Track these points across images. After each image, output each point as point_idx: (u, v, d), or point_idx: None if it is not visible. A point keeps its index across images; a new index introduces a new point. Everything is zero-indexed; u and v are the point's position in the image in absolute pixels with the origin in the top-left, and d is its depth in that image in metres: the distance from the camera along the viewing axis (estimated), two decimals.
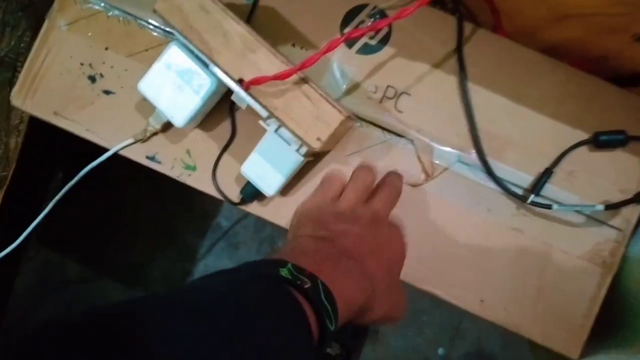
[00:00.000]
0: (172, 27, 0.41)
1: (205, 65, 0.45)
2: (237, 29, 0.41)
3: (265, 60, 0.40)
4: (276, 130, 0.44)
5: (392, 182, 0.45)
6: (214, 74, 0.45)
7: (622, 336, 0.48)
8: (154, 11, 0.41)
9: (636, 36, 0.44)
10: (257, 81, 0.39)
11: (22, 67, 0.52)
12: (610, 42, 0.46)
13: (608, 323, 0.48)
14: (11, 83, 0.59)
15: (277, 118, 0.41)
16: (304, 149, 0.44)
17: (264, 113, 0.42)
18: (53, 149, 0.80)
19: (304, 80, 0.40)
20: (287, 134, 0.44)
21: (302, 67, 0.39)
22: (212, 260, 0.98)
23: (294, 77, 0.40)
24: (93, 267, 1.00)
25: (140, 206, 1.00)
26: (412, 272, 0.48)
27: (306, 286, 0.31)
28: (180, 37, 0.42)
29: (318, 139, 0.40)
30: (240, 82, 0.41)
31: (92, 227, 1.00)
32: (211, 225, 0.98)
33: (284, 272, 0.31)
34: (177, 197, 0.99)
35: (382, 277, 0.39)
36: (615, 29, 0.44)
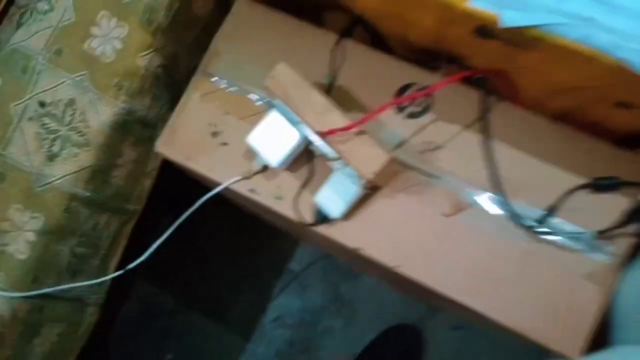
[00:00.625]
0: (275, 96, 0.61)
1: (295, 125, 0.64)
2: (318, 98, 0.60)
3: (337, 119, 0.59)
4: (342, 169, 0.62)
5: None
6: (300, 130, 0.64)
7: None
8: (265, 86, 0.62)
9: (615, 103, 0.59)
10: (330, 132, 0.58)
11: (161, 127, 0.74)
12: (597, 110, 0.61)
13: (603, 336, 0.59)
14: (150, 139, 0.80)
15: (343, 158, 0.58)
16: (362, 181, 0.61)
17: (333, 155, 0.60)
18: (172, 195, 1.00)
19: (362, 132, 0.58)
20: (349, 171, 0.61)
21: (360, 122, 0.57)
22: (284, 299, 1.14)
23: (355, 130, 0.58)
24: (186, 300, 1.18)
25: (227, 251, 1.19)
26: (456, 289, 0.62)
27: None
28: (280, 104, 0.62)
29: (372, 172, 0.57)
30: (319, 133, 0.59)
31: (188, 265, 1.20)
32: (285, 269, 1.15)
33: None
34: (259, 244, 1.17)
35: None
36: (597, 99, 0.59)
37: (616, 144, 0.64)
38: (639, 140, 0.64)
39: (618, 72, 0.52)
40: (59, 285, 0.71)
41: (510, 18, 0.53)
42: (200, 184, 0.77)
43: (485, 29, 0.57)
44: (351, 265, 1.13)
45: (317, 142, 0.61)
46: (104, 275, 0.80)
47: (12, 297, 0.67)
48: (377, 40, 0.74)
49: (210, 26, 0.77)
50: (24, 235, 0.68)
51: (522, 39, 0.55)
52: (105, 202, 0.75)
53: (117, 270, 0.84)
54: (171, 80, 0.78)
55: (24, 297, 0.68)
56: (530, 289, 0.61)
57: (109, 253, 0.82)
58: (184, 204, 0.71)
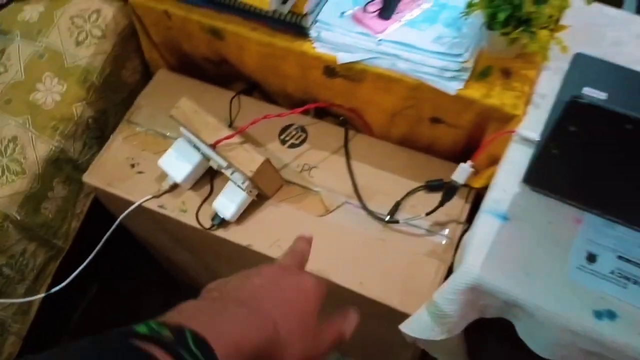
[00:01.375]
0: (179, 122, 0.79)
1: (197, 149, 0.82)
2: (211, 120, 0.78)
3: (226, 133, 0.77)
4: (232, 174, 0.78)
5: (300, 245, 0.52)
6: (200, 152, 0.81)
7: None
8: (170, 115, 0.80)
9: (430, 119, 0.80)
10: (218, 142, 0.75)
11: (87, 166, 0.89)
12: (422, 129, 0.82)
13: None
14: (80, 183, 0.93)
15: (230, 163, 0.75)
16: (247, 184, 0.77)
17: (223, 163, 0.77)
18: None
19: (245, 142, 0.76)
20: (238, 177, 0.78)
21: (239, 131, 0.75)
22: None
23: (239, 140, 0.76)
24: None
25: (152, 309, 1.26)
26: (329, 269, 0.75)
27: (166, 339, 0.30)
28: (184, 130, 0.80)
29: (251, 170, 0.74)
30: (211, 145, 0.76)
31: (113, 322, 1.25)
32: None
33: (141, 329, 0.31)
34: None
35: (288, 321, 0.39)
36: (417, 118, 0.81)
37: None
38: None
39: (420, 88, 0.74)
40: None
41: (343, 57, 0.76)
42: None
43: (330, 69, 0.79)
44: None
45: (211, 153, 0.78)
46: (29, 304, 0.89)
47: None
48: (267, 98, 0.96)
49: (135, 92, 0.97)
50: None
51: (354, 74, 0.77)
52: (34, 229, 0.86)
53: (39, 307, 0.92)
54: (100, 133, 0.95)
55: None
56: (385, 266, 0.76)
57: (33, 286, 0.90)
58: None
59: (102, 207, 0.96)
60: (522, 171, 0.66)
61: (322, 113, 0.91)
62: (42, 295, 0.89)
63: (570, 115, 0.47)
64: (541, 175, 0.62)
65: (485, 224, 0.64)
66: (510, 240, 0.63)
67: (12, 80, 0.88)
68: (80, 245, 0.97)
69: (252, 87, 0.97)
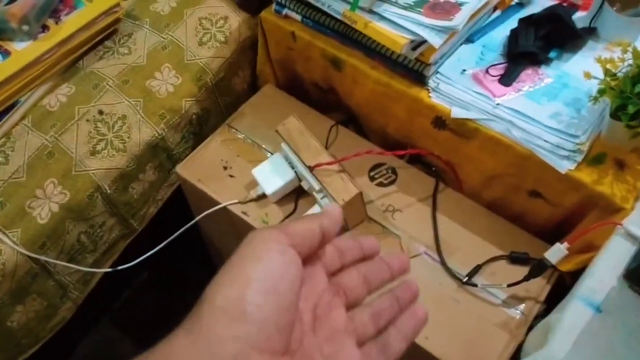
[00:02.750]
0: (283, 138, 0.81)
1: (292, 167, 0.83)
2: (314, 143, 0.80)
3: (325, 159, 0.78)
4: (321, 198, 0.79)
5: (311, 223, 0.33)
6: (295, 170, 0.82)
7: None
8: (276, 131, 0.82)
9: (529, 192, 0.79)
10: (317, 165, 0.77)
11: (179, 157, 0.93)
12: (517, 198, 0.81)
13: None
14: (169, 172, 0.96)
15: (324, 188, 0.77)
16: None
17: (317, 186, 0.78)
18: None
19: (342, 171, 0.77)
20: (327, 202, 0.78)
21: (340, 160, 0.76)
22: None
23: (337, 167, 0.77)
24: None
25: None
26: None
27: None
28: (285, 146, 0.82)
29: (343, 199, 0.75)
30: (309, 167, 0.78)
31: (154, 318, 1.27)
32: None
33: None
34: None
35: None
36: (515, 186, 0.80)
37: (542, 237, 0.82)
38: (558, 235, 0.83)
39: (530, 159, 0.74)
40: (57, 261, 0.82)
41: (458, 112, 0.77)
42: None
43: (440, 120, 0.80)
44: None
45: (306, 174, 0.79)
46: (92, 275, 0.91)
47: (20, 252, 0.77)
48: (361, 132, 0.97)
49: (240, 99, 1.00)
50: (50, 204, 0.81)
51: (465, 130, 0.78)
52: (118, 206, 0.89)
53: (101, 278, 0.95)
54: (200, 130, 0.98)
55: (29, 256, 0.78)
56: (454, 327, 0.75)
57: (101, 259, 0.92)
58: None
59: (179, 200, 0.99)
60: (621, 265, 0.64)
61: (416, 160, 0.92)
62: (107, 269, 0.91)
63: None
64: None
65: (577, 311, 0.62)
66: (599, 333, 0.60)
67: (134, 64, 0.93)
68: (149, 230, 1.00)
69: (350, 120, 0.98)
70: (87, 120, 0.86)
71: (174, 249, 0.95)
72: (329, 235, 0.33)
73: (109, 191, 0.86)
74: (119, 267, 0.91)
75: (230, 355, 0.27)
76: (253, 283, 0.28)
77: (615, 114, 0.69)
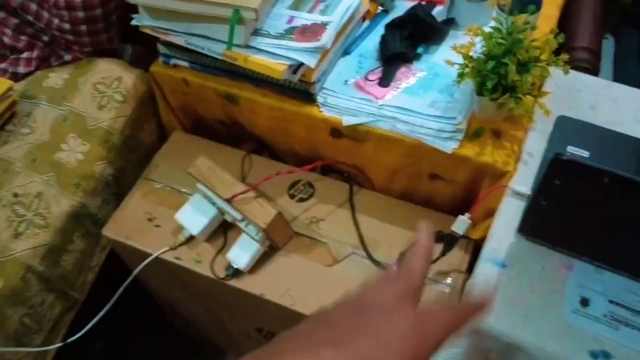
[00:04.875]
0: (196, 178, 0.85)
1: (212, 203, 0.88)
2: (226, 176, 0.84)
3: (240, 189, 0.83)
4: (246, 227, 0.84)
5: (414, 260, 0.36)
6: (216, 206, 0.87)
7: None
8: (188, 173, 0.86)
9: (429, 175, 0.87)
10: (234, 196, 0.81)
11: (104, 220, 0.95)
12: (422, 184, 0.89)
13: None
14: (97, 237, 0.98)
15: (245, 216, 0.81)
16: (261, 237, 0.83)
17: (239, 217, 0.83)
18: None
19: (258, 196, 0.82)
20: (252, 229, 0.83)
21: (253, 187, 0.81)
22: None
23: (253, 194, 0.82)
24: None
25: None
26: None
27: None
28: (201, 185, 0.86)
29: (264, 222, 0.80)
30: (227, 200, 0.82)
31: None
32: None
33: None
34: (189, 356, 1.28)
35: None
36: (416, 174, 0.87)
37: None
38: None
39: (419, 147, 0.81)
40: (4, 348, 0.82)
41: (348, 120, 0.84)
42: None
43: (336, 130, 0.86)
44: None
45: (226, 207, 0.84)
46: (44, 355, 0.91)
47: None
48: (275, 156, 1.03)
49: (152, 151, 1.04)
50: None
51: (358, 134, 0.85)
52: (53, 281, 0.90)
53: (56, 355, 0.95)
54: (118, 190, 1.01)
55: None
56: None
57: (50, 336, 0.92)
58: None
59: (115, 262, 1.00)
60: (516, 222, 0.72)
61: (328, 170, 0.98)
62: (58, 345, 0.91)
63: (555, 171, 0.53)
64: (533, 226, 0.68)
65: (485, 271, 0.69)
66: (508, 286, 0.68)
67: (38, 141, 0.94)
68: (93, 299, 1.01)
69: (261, 147, 1.04)
70: (4, 206, 0.87)
71: (126, 315, 0.97)
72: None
73: (40, 269, 0.87)
74: (69, 340, 0.91)
75: None
76: None
77: (479, 91, 0.78)
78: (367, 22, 0.95)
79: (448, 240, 0.80)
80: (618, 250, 0.63)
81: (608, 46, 1.26)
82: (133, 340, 1.32)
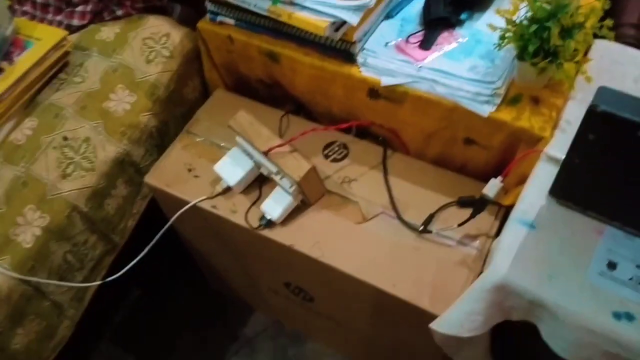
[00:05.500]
0: (235, 131, 0.88)
1: (250, 157, 0.90)
2: (265, 130, 0.87)
3: (277, 142, 0.85)
4: (281, 179, 0.86)
5: None
6: (253, 160, 0.90)
7: None
8: (229, 125, 0.89)
9: (463, 140, 0.87)
10: (270, 149, 0.84)
11: (147, 170, 0.99)
12: (456, 149, 0.90)
13: None
14: (139, 186, 1.02)
15: (280, 169, 0.84)
16: (294, 189, 0.85)
17: (274, 169, 0.86)
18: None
19: (294, 150, 0.84)
20: (286, 183, 0.86)
21: (290, 141, 0.84)
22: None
23: (289, 148, 0.84)
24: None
25: (188, 318, 1.33)
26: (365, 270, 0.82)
27: None
28: (239, 138, 0.89)
29: (299, 175, 0.82)
30: (264, 153, 0.85)
31: (152, 331, 1.32)
32: (239, 335, 1.29)
33: None
34: (217, 312, 1.33)
35: None
36: (451, 139, 0.88)
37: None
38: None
39: (456, 110, 0.82)
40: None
41: (387, 80, 0.85)
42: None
43: (374, 91, 0.88)
44: (297, 332, 1.28)
45: (263, 160, 0.86)
46: (84, 292, 0.97)
47: (12, 277, 0.82)
48: (312, 119, 1.05)
49: (194, 107, 1.07)
50: (32, 229, 0.86)
51: (396, 96, 0.86)
52: (97, 222, 0.95)
53: (93, 295, 1.00)
54: (161, 141, 1.05)
55: (21, 279, 0.84)
56: (418, 272, 0.82)
57: (89, 276, 0.98)
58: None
59: (155, 212, 1.05)
60: (547, 186, 0.72)
61: (364, 134, 1.00)
62: (98, 282, 0.97)
63: (589, 123, 0.54)
64: (565, 188, 0.68)
65: (513, 231, 0.70)
66: (535, 247, 0.68)
67: (89, 90, 0.99)
68: (130, 250, 1.06)
69: (300, 108, 1.06)
70: (54, 148, 0.93)
71: (161, 266, 1.01)
72: None
73: (85, 209, 0.92)
74: (108, 279, 0.96)
75: None
76: None
77: (520, 56, 0.78)
78: None
79: (479, 203, 0.81)
80: None
81: None
82: (165, 293, 1.37)
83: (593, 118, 0.53)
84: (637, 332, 0.61)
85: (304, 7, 0.82)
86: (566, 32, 0.74)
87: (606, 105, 0.53)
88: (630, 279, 0.64)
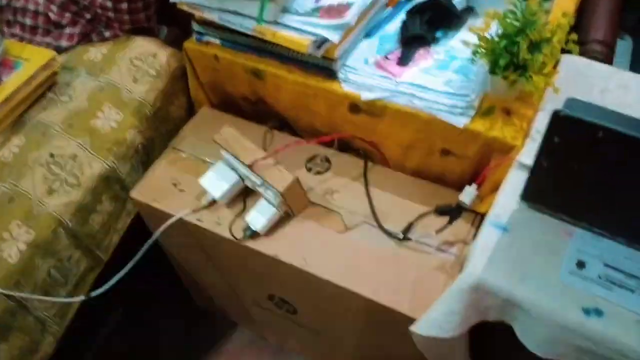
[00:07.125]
0: (220, 145, 0.91)
1: (235, 170, 0.93)
2: (249, 144, 0.90)
3: (261, 155, 0.88)
4: (265, 191, 0.89)
5: None
6: (237, 173, 0.92)
7: None
8: (214, 140, 0.92)
9: (440, 151, 0.91)
10: (255, 162, 0.86)
11: (132, 186, 1.00)
12: (433, 160, 0.93)
13: None
14: (124, 202, 1.04)
15: (264, 181, 0.86)
16: (278, 201, 0.87)
17: (259, 181, 0.88)
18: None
19: (278, 163, 0.87)
20: (271, 194, 0.88)
21: (274, 153, 0.86)
22: None
23: (272, 161, 0.87)
24: None
25: (171, 333, 1.33)
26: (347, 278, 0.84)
27: None
28: (225, 153, 0.92)
29: (282, 187, 0.85)
30: (249, 165, 0.88)
31: (133, 349, 1.32)
32: (222, 350, 1.29)
33: None
34: (200, 327, 1.33)
35: None
36: (428, 150, 0.92)
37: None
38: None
39: (433, 122, 0.86)
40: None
41: (367, 95, 0.89)
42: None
43: (354, 105, 0.91)
44: (280, 346, 1.29)
45: (247, 173, 0.89)
46: (67, 308, 0.97)
47: None
48: (296, 135, 1.08)
49: (180, 125, 1.10)
50: (17, 244, 0.87)
51: (376, 109, 0.90)
52: (81, 238, 0.96)
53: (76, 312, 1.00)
54: (147, 158, 1.07)
55: (5, 294, 0.84)
56: (398, 279, 0.84)
57: (73, 291, 0.98)
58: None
59: (139, 229, 1.06)
60: (519, 191, 0.76)
61: (345, 147, 1.03)
62: (82, 297, 0.97)
63: (555, 127, 0.57)
64: (536, 192, 0.72)
65: (488, 234, 0.73)
66: (509, 248, 0.71)
67: (76, 108, 1.01)
68: (114, 267, 1.06)
69: (283, 125, 1.09)
70: (41, 165, 0.94)
71: (145, 283, 1.02)
72: None
73: (70, 225, 0.94)
74: (92, 294, 0.97)
75: None
76: None
77: (492, 70, 0.82)
78: (390, 9, 1.01)
79: (455, 210, 0.84)
80: (614, 216, 0.67)
81: (625, 46, 1.29)
82: (149, 310, 1.37)
83: (557, 121, 0.57)
84: (605, 326, 0.64)
85: (287, 27, 0.86)
86: (535, 47, 0.79)
87: (569, 110, 0.57)
88: (599, 276, 0.67)
